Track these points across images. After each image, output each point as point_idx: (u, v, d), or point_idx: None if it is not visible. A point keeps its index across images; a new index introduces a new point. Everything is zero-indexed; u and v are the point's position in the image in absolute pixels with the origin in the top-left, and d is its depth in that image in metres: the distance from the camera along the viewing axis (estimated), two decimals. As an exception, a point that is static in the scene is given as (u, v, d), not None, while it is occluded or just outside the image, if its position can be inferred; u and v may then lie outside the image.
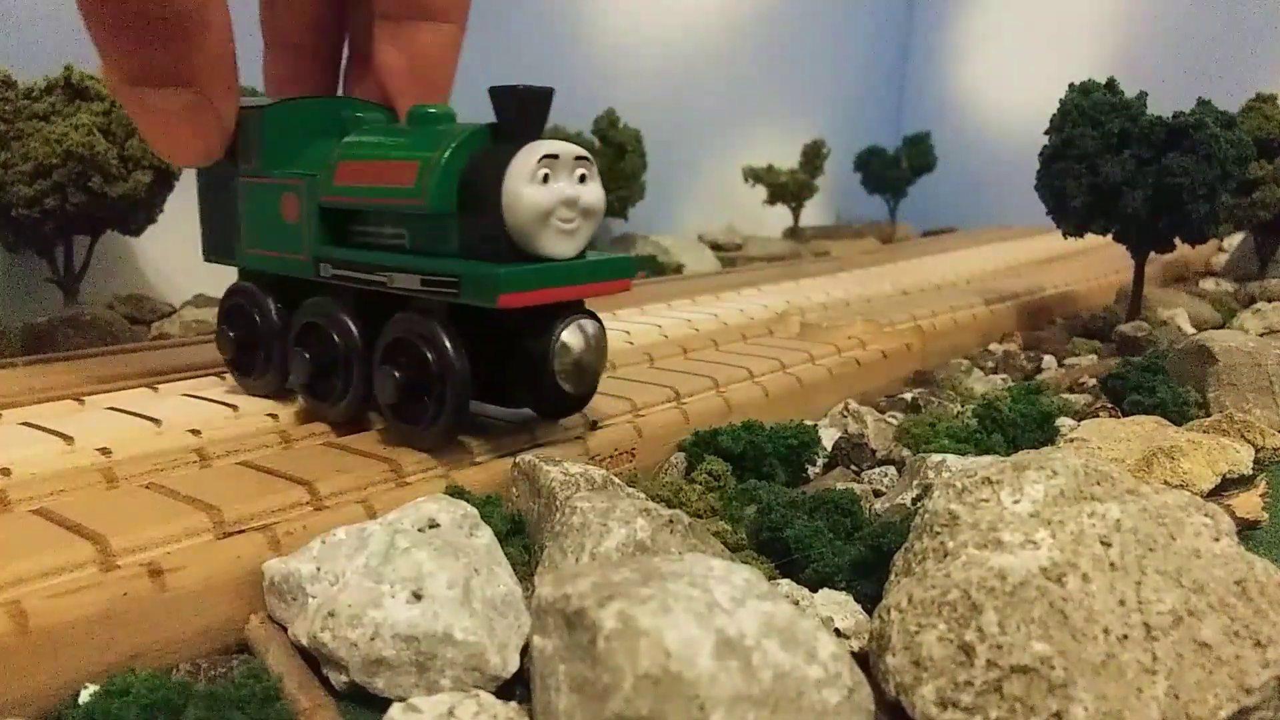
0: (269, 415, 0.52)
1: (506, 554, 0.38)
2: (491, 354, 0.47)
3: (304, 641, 0.34)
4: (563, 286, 0.45)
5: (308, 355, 0.50)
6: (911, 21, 2.27)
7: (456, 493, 0.43)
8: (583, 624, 0.26)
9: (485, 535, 0.38)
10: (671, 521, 0.39)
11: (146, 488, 0.42)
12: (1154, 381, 0.64)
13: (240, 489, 0.42)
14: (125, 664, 0.34)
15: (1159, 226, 0.85)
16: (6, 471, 0.43)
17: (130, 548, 0.36)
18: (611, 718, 0.25)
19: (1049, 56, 1.94)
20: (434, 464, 0.46)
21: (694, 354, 0.72)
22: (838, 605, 0.37)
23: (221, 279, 0.57)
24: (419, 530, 0.37)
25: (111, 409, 0.52)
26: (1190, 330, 0.91)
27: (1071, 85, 0.88)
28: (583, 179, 0.45)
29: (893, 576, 0.35)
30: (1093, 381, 0.72)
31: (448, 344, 0.45)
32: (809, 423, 0.57)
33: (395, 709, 0.29)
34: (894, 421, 0.63)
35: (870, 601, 0.37)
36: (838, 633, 0.36)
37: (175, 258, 1.05)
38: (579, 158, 0.44)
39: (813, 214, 1.91)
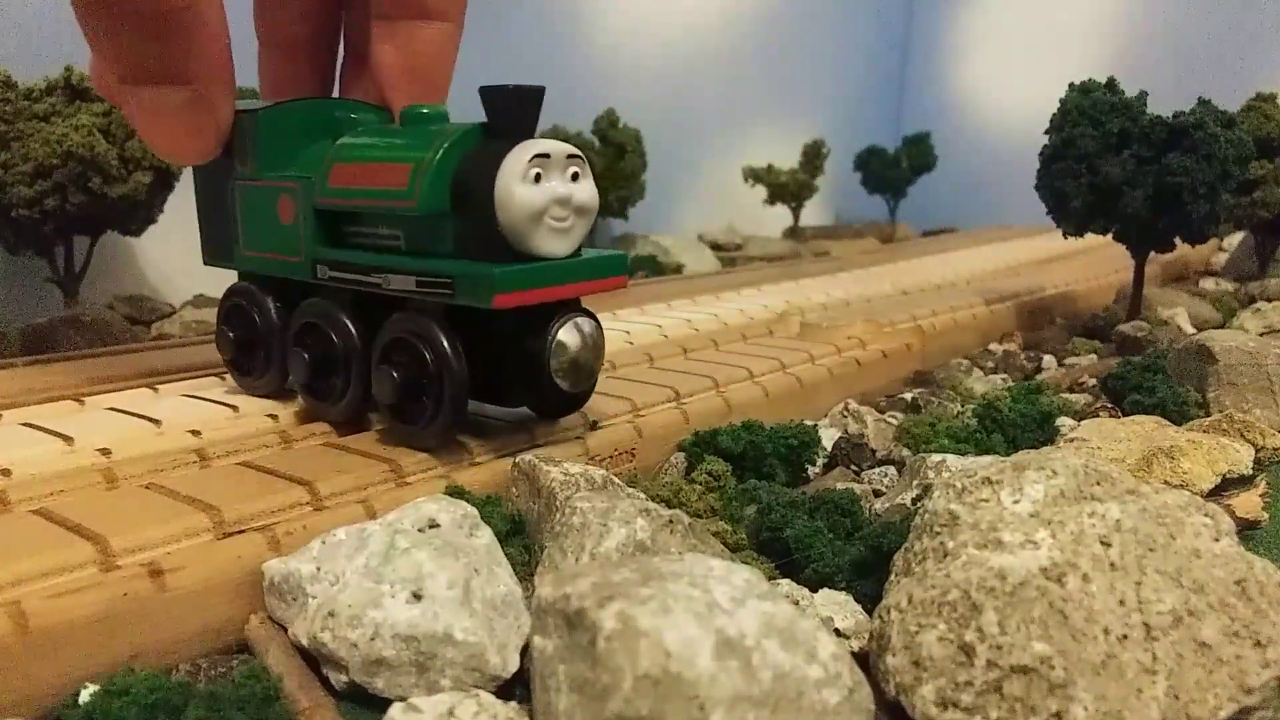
0: (269, 416, 0.52)
1: (506, 554, 0.38)
2: (489, 353, 0.47)
3: (304, 641, 0.34)
4: (557, 285, 0.45)
5: (306, 355, 0.51)
6: (911, 21, 2.27)
7: (456, 493, 0.43)
8: (583, 624, 0.26)
9: (485, 535, 0.38)
10: (671, 522, 0.39)
11: (146, 488, 0.42)
12: (1154, 381, 0.64)
13: (240, 489, 0.42)
14: (125, 664, 0.34)
15: (1159, 226, 0.85)
16: (6, 472, 0.43)
17: (130, 548, 0.36)
18: (611, 718, 0.25)
19: (1049, 56, 1.94)
20: (434, 464, 0.46)
21: (694, 354, 0.72)
22: (838, 605, 0.37)
23: (221, 279, 0.57)
24: (419, 530, 0.37)
25: (111, 409, 0.52)
26: (1190, 330, 0.91)
27: (1071, 85, 0.88)
28: (575, 177, 0.45)
29: (893, 576, 0.35)
30: (1093, 381, 0.72)
31: (445, 343, 0.45)
32: (809, 423, 0.57)
33: (395, 709, 0.29)
34: (894, 421, 0.63)
35: (870, 601, 0.37)
36: (838, 633, 0.36)
37: (175, 258, 1.05)
38: (571, 156, 0.44)
39: (813, 214, 1.91)
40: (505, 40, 1.33)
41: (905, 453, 0.57)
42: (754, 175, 1.74)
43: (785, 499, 0.45)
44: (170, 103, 0.47)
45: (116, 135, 0.83)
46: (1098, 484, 0.34)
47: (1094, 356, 0.84)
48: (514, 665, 0.33)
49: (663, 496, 0.47)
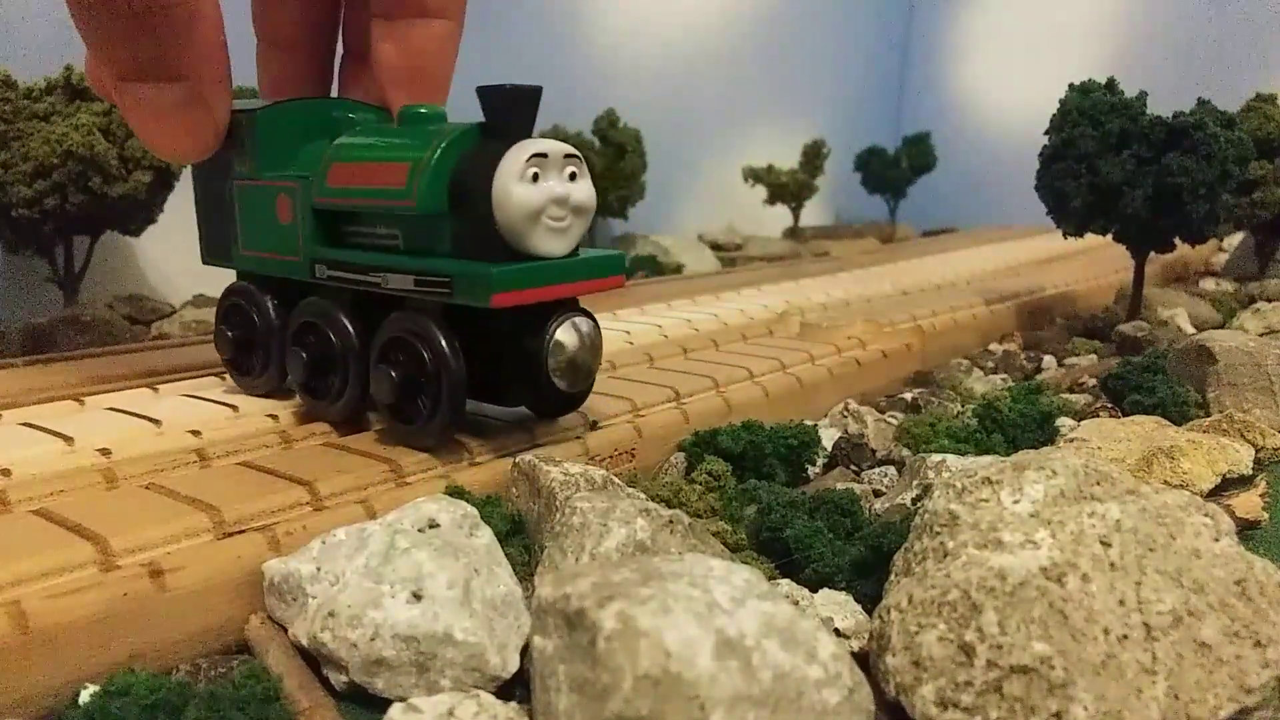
0: (269, 415, 0.52)
1: (506, 554, 0.38)
2: (487, 353, 0.47)
3: (304, 642, 0.34)
4: (555, 285, 0.45)
5: (305, 355, 0.51)
6: (911, 21, 2.27)
7: (456, 493, 0.43)
8: (583, 624, 0.26)
9: (485, 535, 0.38)
10: (671, 521, 0.39)
11: (146, 488, 0.42)
12: (1154, 381, 0.64)
13: (240, 489, 0.42)
14: (125, 664, 0.34)
15: (1159, 226, 0.85)
16: (6, 472, 0.43)
17: (130, 548, 0.36)
18: (611, 718, 0.25)
19: (1049, 56, 1.95)
20: (434, 464, 0.46)
21: (694, 354, 0.72)
22: (838, 605, 0.37)
23: (221, 279, 0.57)
24: (419, 530, 0.37)
25: (111, 409, 0.52)
26: (1190, 330, 0.91)
27: (1071, 85, 0.88)
28: (573, 177, 0.45)
29: (893, 576, 0.35)
30: (1093, 381, 0.72)
31: (443, 343, 0.45)
32: (809, 423, 0.57)
33: (395, 709, 0.29)
34: (894, 421, 0.63)
35: (870, 601, 0.37)
36: (838, 633, 0.36)
37: (175, 258, 1.05)
38: (568, 156, 0.44)
39: (813, 214, 1.91)
40: (505, 40, 1.33)
41: (905, 453, 0.57)
42: (754, 175, 1.74)
43: (785, 499, 0.45)
44: (166, 100, 0.46)
45: (116, 135, 0.83)
46: (1098, 484, 0.34)
47: (1094, 356, 0.84)
48: (514, 665, 0.33)
49: (663, 496, 0.47)
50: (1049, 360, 0.83)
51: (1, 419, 0.52)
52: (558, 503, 0.41)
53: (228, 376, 0.58)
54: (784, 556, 0.42)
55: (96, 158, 0.80)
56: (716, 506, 0.48)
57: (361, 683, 0.32)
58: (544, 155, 0.43)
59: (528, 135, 0.44)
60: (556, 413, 0.52)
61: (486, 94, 0.44)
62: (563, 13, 1.52)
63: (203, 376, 0.61)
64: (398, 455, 0.46)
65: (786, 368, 0.68)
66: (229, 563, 0.37)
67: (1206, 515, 0.33)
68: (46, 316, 0.82)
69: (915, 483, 0.48)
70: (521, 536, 0.43)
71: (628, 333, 0.76)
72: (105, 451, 0.46)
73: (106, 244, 0.94)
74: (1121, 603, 0.30)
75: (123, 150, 0.83)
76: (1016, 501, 0.33)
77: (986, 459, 0.48)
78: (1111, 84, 0.88)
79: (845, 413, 0.64)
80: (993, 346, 0.91)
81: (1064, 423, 0.61)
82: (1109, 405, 0.65)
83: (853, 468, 0.56)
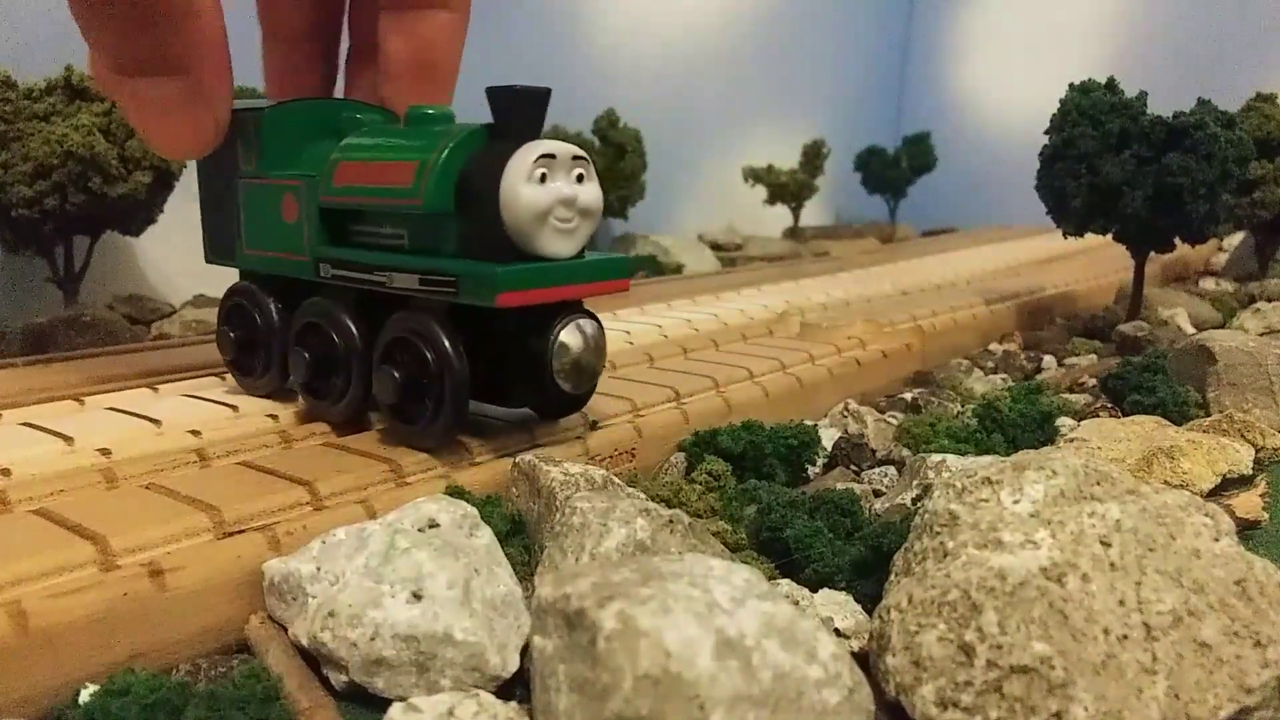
0: (269, 415, 0.52)
1: (506, 554, 0.38)
2: (490, 354, 0.47)
3: (304, 641, 0.34)
4: (561, 286, 0.45)
5: (307, 355, 0.51)
6: (911, 21, 2.27)
7: (456, 493, 0.43)
8: (583, 624, 0.26)
9: (485, 535, 0.38)
10: (671, 521, 0.39)
11: (146, 488, 0.42)
12: (1154, 381, 0.64)
13: (240, 489, 0.42)
14: (125, 664, 0.34)
15: (1159, 226, 0.85)
16: (6, 472, 0.43)
17: (130, 548, 0.36)
18: (611, 718, 0.25)
19: (1049, 56, 1.95)
20: (434, 464, 0.46)
21: (694, 354, 0.72)
22: (838, 605, 0.37)
23: (221, 279, 0.57)
24: (419, 530, 0.37)
25: (111, 409, 0.52)
26: (1190, 330, 0.91)
27: (1071, 85, 0.88)
28: (580, 178, 0.45)
29: (893, 576, 0.35)
30: (1093, 381, 0.72)
31: (447, 343, 0.45)
32: (809, 423, 0.57)
33: (395, 709, 0.29)
34: (894, 421, 0.63)
35: (870, 601, 0.37)
36: (838, 633, 0.36)
37: (175, 258, 1.05)
38: (576, 157, 0.44)
39: (813, 214, 1.91)
40: (505, 40, 1.34)
41: (905, 453, 0.57)
42: (754, 175, 1.74)
43: (785, 499, 0.45)
44: (165, 94, 0.46)
45: (116, 135, 0.83)
46: (1098, 484, 0.34)
47: (1094, 356, 0.84)
48: (514, 665, 0.33)
49: (663, 496, 0.47)
50: (1049, 360, 0.83)
51: (1, 419, 0.52)
52: (558, 503, 0.41)
53: (228, 376, 0.58)
54: (784, 556, 0.42)
55: (96, 158, 0.80)
56: (716, 506, 0.48)
57: (361, 682, 0.32)
58: (552, 156, 0.43)
59: (536, 136, 0.44)
60: (560, 414, 0.52)
61: (495, 95, 0.44)
62: (563, 13, 1.52)
63: (203, 376, 0.61)
64: (398, 455, 0.46)
65: (786, 368, 0.68)
66: (229, 562, 0.37)
67: (1206, 515, 0.33)
68: (46, 317, 0.82)
69: (915, 483, 0.48)
70: (521, 536, 0.43)
71: (628, 333, 0.76)
72: (105, 451, 0.46)
73: (106, 244, 0.94)
74: (1121, 603, 0.30)
75: (123, 150, 0.83)
76: (1016, 501, 0.33)
77: (986, 459, 0.48)
78: (1111, 84, 0.88)
79: (845, 413, 0.64)
80: (993, 346, 0.91)
81: (1064, 423, 0.61)
82: (1109, 405, 0.65)
83: (853, 468, 0.56)
